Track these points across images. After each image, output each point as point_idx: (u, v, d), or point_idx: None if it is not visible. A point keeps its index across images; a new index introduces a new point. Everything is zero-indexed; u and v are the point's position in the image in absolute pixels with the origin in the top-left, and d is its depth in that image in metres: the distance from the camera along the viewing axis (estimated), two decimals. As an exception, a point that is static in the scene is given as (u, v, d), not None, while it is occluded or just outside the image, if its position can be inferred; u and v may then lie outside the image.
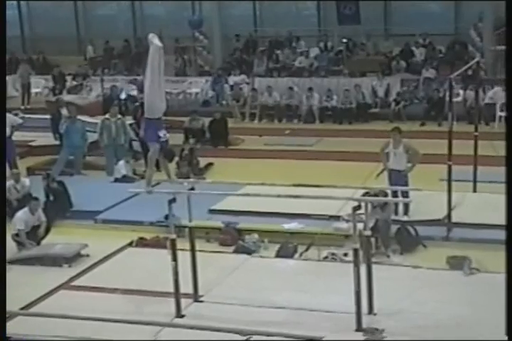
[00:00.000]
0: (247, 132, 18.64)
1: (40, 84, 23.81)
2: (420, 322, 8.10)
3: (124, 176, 14.21)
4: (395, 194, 11.10)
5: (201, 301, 8.88)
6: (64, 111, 16.09)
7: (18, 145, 15.57)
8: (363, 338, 7.84)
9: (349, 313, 8.01)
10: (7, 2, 24.88)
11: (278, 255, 10.57)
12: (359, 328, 7.96)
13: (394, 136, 11.68)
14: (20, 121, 15.48)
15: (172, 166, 14.74)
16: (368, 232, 8.25)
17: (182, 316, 8.49)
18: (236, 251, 10.83)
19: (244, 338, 7.35)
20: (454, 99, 13.81)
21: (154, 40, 8.06)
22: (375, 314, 8.27)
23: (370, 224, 9.00)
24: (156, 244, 10.88)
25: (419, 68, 21.28)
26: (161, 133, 8.15)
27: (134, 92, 20.54)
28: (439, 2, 23.74)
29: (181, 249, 8.60)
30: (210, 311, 8.56)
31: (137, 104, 17.19)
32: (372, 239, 9.61)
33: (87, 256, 10.54)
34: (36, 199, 11.27)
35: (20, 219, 10.81)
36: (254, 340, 7.29)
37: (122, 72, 24.43)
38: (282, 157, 15.93)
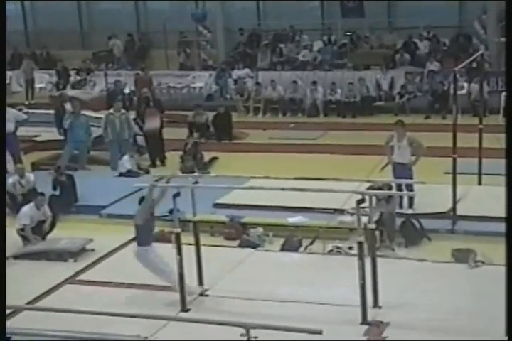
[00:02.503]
0: (251, 126, 18.65)
1: (43, 79, 23.80)
2: (425, 315, 8.11)
3: (129, 171, 14.22)
4: (399, 187, 11.09)
5: (206, 295, 8.89)
6: (68, 106, 16.08)
7: (22, 141, 15.59)
8: (365, 337, 7.85)
9: (354, 306, 8.03)
10: (10, -3, 25.01)
11: (283, 249, 10.58)
12: (364, 321, 7.98)
13: (397, 129, 11.68)
14: (25, 116, 15.49)
15: (177, 160, 14.85)
16: (373, 225, 8.25)
17: (187, 310, 8.51)
18: (241, 245, 10.84)
19: (250, 332, 7.35)
20: (459, 92, 13.78)
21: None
22: (380, 307, 8.29)
23: (375, 218, 9.00)
24: (161, 238, 10.85)
25: (424, 61, 21.23)
26: None
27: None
28: (443, -6, 23.66)
29: (186, 243, 8.62)
30: (215, 305, 8.58)
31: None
32: (377, 233, 9.62)
33: (92, 250, 10.56)
34: (42, 194, 11.29)
35: (25, 214, 10.82)
36: (259, 340, 7.28)
37: (126, 66, 24.41)
38: (286, 151, 15.92)
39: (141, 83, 19.62)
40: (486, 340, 7.54)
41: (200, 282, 8.86)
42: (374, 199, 8.37)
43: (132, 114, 16.17)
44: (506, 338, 6.74)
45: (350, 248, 10.06)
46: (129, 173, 14.10)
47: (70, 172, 13.17)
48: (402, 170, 11.40)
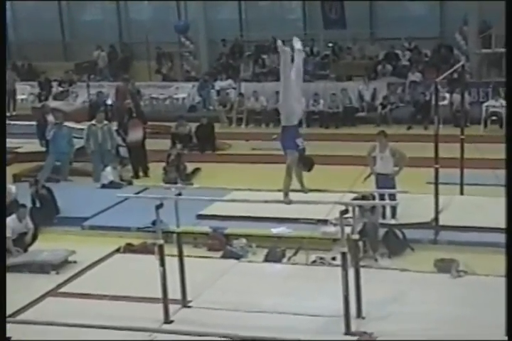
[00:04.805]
0: (234, 137, 18.64)
1: (25, 91, 23.71)
2: (408, 325, 8.10)
3: (111, 182, 14.18)
4: (382, 197, 11.11)
5: (190, 306, 8.85)
6: (50, 118, 16.04)
7: (4, 152, 15.50)
8: (354, 338, 7.85)
9: (338, 317, 8.01)
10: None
11: (266, 259, 10.56)
12: (348, 332, 7.97)
13: (380, 140, 11.71)
14: (5, 127, 15.40)
15: (159, 171, 14.82)
16: (356, 236, 8.26)
17: (170, 322, 8.47)
18: (224, 256, 10.81)
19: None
20: (440, 103, 13.86)
21: (297, 44, 8.17)
22: (363, 317, 8.28)
23: (358, 228, 9.02)
24: (144, 249, 10.85)
25: (405, 72, 21.35)
26: (299, 141, 7.98)
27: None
28: (424, 6, 23.82)
29: (169, 255, 8.58)
30: (198, 316, 8.54)
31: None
32: (360, 243, 9.63)
33: (75, 262, 10.49)
34: (24, 206, 11.21)
35: (7, 226, 10.74)
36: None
37: (108, 77, 24.38)
38: (269, 161, 15.87)
39: (120, 94, 19.56)
40: (486, 340, 7.55)
41: (184, 293, 8.83)
42: (357, 209, 8.37)
43: (115, 125, 16.14)
44: (506, 338, 6.75)
45: (334, 258, 10.06)
46: (111, 185, 14.06)
47: (48, 185, 13.07)
48: (385, 181, 11.42)
